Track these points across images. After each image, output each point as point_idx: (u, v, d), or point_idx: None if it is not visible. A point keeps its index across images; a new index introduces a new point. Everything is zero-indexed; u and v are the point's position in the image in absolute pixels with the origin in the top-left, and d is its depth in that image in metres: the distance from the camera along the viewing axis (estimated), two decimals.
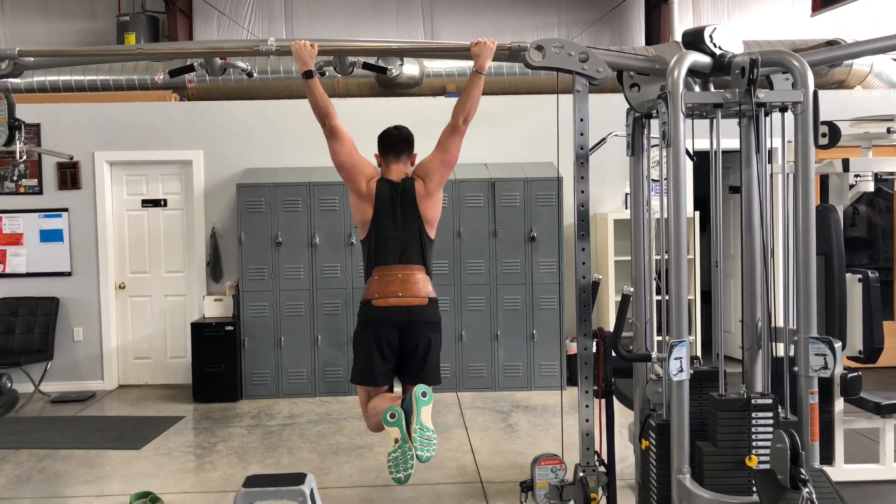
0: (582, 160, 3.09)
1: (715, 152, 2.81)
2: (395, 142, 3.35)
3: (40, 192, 6.71)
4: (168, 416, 5.82)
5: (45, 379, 6.58)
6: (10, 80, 4.56)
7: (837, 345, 2.66)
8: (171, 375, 6.84)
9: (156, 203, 6.85)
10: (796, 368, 2.71)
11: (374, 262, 3.27)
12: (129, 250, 6.84)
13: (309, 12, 9.44)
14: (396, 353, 3.25)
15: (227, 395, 6.19)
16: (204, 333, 6.20)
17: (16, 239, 6.71)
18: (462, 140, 3.28)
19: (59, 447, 5.09)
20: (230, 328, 6.20)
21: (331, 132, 3.25)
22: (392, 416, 2.89)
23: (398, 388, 3.45)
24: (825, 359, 2.64)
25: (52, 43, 8.93)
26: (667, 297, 2.80)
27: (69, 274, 6.72)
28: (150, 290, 6.85)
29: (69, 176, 6.69)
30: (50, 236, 6.71)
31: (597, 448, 3.15)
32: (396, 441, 2.87)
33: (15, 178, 6.70)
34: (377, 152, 3.41)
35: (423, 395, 2.92)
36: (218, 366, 6.19)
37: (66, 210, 6.70)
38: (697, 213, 6.43)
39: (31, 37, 8.99)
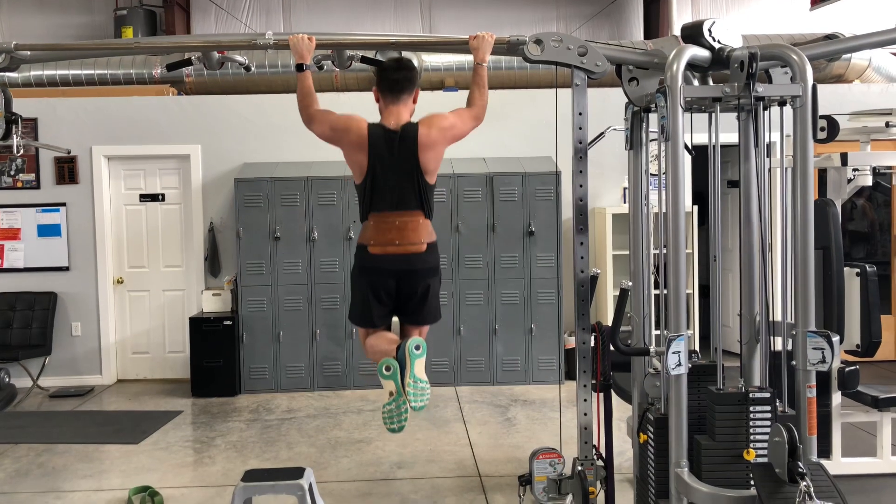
0: (580, 154, 3.09)
1: (713, 146, 2.81)
2: (396, 79, 3.18)
3: (38, 187, 6.69)
4: (166, 411, 5.82)
5: (43, 374, 6.58)
6: (7, 74, 4.56)
7: (835, 339, 2.66)
8: (170, 370, 6.84)
9: (154, 198, 6.84)
10: (794, 362, 2.71)
11: (369, 207, 3.15)
12: (127, 245, 6.83)
13: (307, 6, 9.41)
14: (394, 298, 3.20)
15: (226, 390, 6.20)
16: (202, 328, 6.21)
17: (13, 234, 6.70)
18: (471, 128, 3.21)
19: (57, 442, 5.09)
20: (228, 323, 6.21)
21: (310, 118, 3.14)
22: (387, 368, 2.93)
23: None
24: (823, 353, 2.64)
25: (49, 37, 8.89)
26: (665, 292, 2.80)
27: (67, 269, 6.71)
28: (148, 285, 6.85)
29: (67, 170, 6.67)
30: (48, 231, 6.69)
31: (595, 442, 3.15)
32: (391, 394, 2.92)
33: (12, 173, 6.68)
34: (375, 87, 3.24)
35: (417, 348, 2.94)
36: (216, 360, 6.19)
37: (63, 205, 6.69)
38: (696, 207, 6.43)
39: (28, 31, 8.95)
